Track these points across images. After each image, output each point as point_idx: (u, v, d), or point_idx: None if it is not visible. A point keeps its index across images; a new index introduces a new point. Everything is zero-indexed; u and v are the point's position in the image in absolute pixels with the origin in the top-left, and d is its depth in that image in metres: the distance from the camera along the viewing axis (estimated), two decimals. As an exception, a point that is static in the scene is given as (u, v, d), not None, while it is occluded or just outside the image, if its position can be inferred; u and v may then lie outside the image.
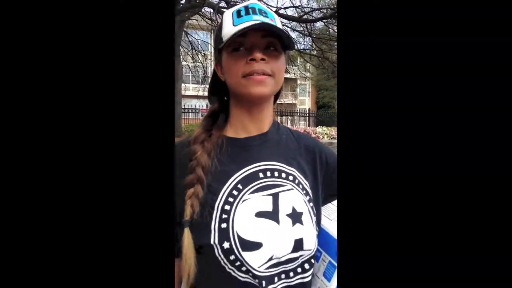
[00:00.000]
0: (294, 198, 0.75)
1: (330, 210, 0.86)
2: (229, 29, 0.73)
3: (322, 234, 0.81)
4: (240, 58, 0.72)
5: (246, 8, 0.76)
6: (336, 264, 0.75)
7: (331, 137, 5.92)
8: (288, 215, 0.72)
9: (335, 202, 0.87)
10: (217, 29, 0.80)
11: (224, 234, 0.68)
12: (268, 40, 0.73)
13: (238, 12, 0.75)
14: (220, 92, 0.84)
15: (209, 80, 0.87)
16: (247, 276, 0.68)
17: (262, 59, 0.71)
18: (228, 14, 0.77)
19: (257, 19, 0.73)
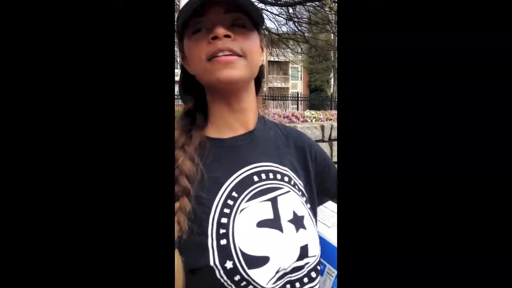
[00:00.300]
0: (293, 201, 0.68)
1: (326, 215, 0.80)
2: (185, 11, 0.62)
3: (323, 245, 0.73)
4: (201, 39, 0.62)
5: None
6: None
7: (319, 120, 5.90)
8: (290, 221, 0.65)
9: (329, 205, 0.82)
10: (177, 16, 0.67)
11: (225, 252, 0.59)
12: (232, 16, 0.63)
13: None
14: (193, 87, 0.73)
15: (179, 76, 0.76)
16: None
17: (227, 36, 0.61)
18: None
19: None
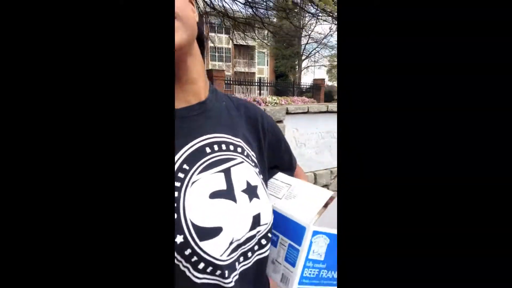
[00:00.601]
0: (246, 171, 0.67)
1: (276, 187, 0.80)
2: None
3: (276, 217, 0.73)
4: None
5: None
6: (298, 247, 0.68)
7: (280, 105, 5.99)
8: (243, 191, 0.65)
9: (279, 176, 0.82)
10: None
11: (175, 227, 0.58)
12: None
13: None
14: None
15: None
16: (204, 275, 0.59)
17: None
18: None
19: None
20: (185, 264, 0.58)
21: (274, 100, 6.61)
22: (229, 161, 0.66)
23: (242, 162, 0.68)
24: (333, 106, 4.61)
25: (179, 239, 0.57)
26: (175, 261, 0.57)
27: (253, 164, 0.71)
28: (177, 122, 0.64)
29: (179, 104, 0.66)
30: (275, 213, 0.74)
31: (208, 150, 0.65)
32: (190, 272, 0.58)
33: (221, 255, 0.59)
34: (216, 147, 0.66)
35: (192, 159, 0.63)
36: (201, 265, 0.59)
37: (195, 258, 0.58)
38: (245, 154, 0.70)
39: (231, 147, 0.68)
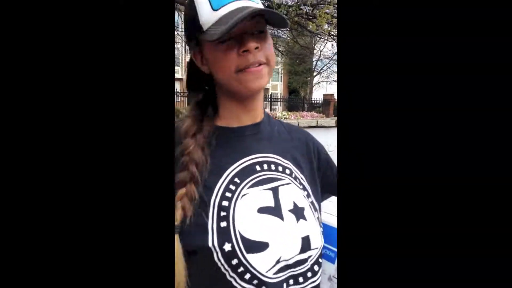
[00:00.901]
0: (293, 192, 0.69)
1: (330, 208, 0.83)
2: (208, 15, 0.61)
3: (332, 233, 0.76)
4: (230, 51, 0.62)
5: None
6: None
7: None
8: (290, 211, 0.66)
9: (331, 199, 0.84)
10: (189, 11, 0.66)
11: (224, 234, 0.60)
12: (258, 21, 0.63)
13: None
14: (201, 83, 0.74)
15: (185, 71, 0.78)
16: (250, 286, 0.60)
17: (256, 48, 0.62)
18: None
19: None
20: (231, 274, 0.59)
21: (284, 115, 6.69)
22: (277, 181, 0.69)
23: (289, 183, 0.70)
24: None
25: (227, 247, 0.59)
26: (222, 269, 0.59)
27: (301, 187, 0.72)
28: (232, 140, 0.70)
29: (235, 123, 0.72)
30: (332, 229, 0.77)
31: (258, 168, 0.69)
32: (236, 282, 0.59)
33: (267, 272, 0.60)
34: (265, 166, 0.70)
35: (243, 174, 0.67)
36: (247, 276, 0.60)
37: (241, 269, 0.59)
38: (293, 176, 0.72)
39: (280, 168, 0.71)
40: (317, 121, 4.33)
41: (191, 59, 0.72)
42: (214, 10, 0.61)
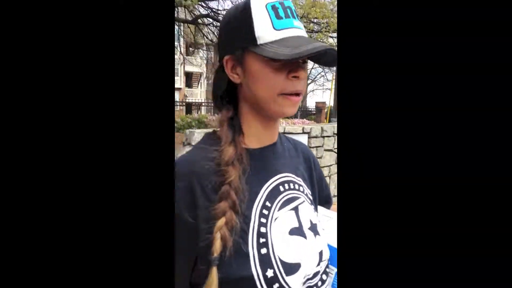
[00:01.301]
0: (308, 210, 0.71)
1: (321, 220, 0.82)
2: (268, 32, 0.62)
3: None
4: (280, 72, 0.62)
5: (283, 7, 0.64)
6: None
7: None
8: (309, 229, 0.68)
9: (320, 210, 0.85)
10: (241, 21, 0.64)
11: (265, 261, 0.59)
12: None
13: (276, 10, 0.63)
14: (230, 94, 0.71)
15: (213, 79, 0.74)
16: None
17: (303, 77, 0.64)
18: (260, 7, 0.63)
19: (297, 25, 0.64)
20: None
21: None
22: (296, 200, 0.71)
23: (304, 201, 0.72)
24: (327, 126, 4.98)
25: (269, 273, 0.59)
26: None
27: (310, 202, 0.75)
28: (257, 162, 0.69)
29: (255, 142, 0.71)
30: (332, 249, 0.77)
31: (281, 188, 0.70)
32: None
33: None
34: (286, 186, 0.71)
35: (271, 196, 0.67)
36: None
37: None
38: (305, 192, 0.74)
39: (296, 186, 0.73)
40: (284, 128, 4.60)
41: (221, 65, 0.69)
42: (275, 29, 0.62)
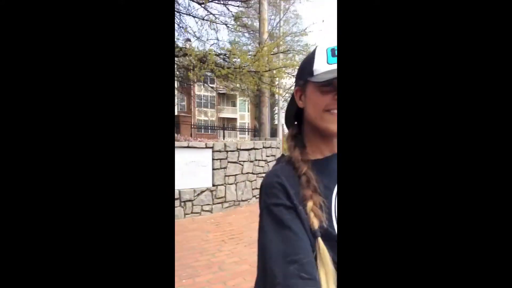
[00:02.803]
0: None
1: None
2: (322, 65, 0.77)
3: None
4: (328, 93, 0.75)
5: None
6: None
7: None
8: None
9: None
10: (308, 59, 0.83)
11: None
12: None
13: (333, 52, 0.78)
14: (297, 116, 0.90)
15: (287, 105, 0.94)
16: None
17: None
18: (321, 50, 0.80)
19: None
20: None
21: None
22: None
23: None
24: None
25: None
26: None
27: None
28: (323, 171, 0.79)
29: (317, 154, 0.84)
30: None
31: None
32: None
33: None
34: None
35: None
36: None
37: None
38: None
39: None
40: (188, 143, 6.05)
41: (292, 94, 0.88)
42: (328, 63, 0.76)
